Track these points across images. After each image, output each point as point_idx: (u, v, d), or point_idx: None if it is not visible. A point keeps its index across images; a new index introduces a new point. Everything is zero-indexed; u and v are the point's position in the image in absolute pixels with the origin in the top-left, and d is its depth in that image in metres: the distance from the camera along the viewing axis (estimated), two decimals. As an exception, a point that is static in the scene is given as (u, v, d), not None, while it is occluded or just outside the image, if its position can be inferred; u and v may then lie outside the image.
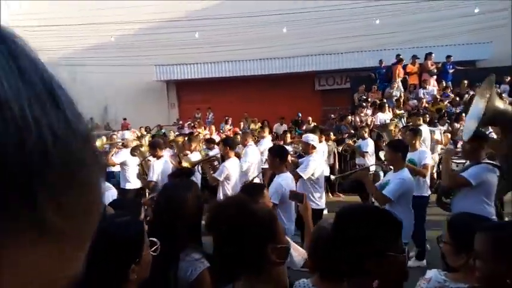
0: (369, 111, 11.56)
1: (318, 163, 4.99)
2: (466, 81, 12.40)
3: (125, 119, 17.55)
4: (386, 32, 16.63)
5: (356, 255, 1.31)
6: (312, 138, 5.25)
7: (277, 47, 17.48)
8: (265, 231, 1.36)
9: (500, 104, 3.53)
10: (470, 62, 15.97)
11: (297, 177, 4.68)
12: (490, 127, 5.87)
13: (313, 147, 5.08)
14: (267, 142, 7.87)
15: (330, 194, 9.01)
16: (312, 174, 4.84)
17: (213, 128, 12.06)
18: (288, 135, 9.34)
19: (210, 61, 18.27)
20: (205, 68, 18.55)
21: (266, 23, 17.76)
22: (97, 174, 0.31)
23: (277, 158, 4.04)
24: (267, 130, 9.02)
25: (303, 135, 5.87)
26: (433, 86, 12.68)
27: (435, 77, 13.05)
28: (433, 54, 13.12)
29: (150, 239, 1.37)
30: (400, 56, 13.25)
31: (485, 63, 15.89)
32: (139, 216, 2.23)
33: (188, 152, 6.85)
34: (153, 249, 1.37)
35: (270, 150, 4.46)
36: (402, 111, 11.40)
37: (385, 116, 10.50)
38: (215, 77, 18.58)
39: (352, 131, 10.30)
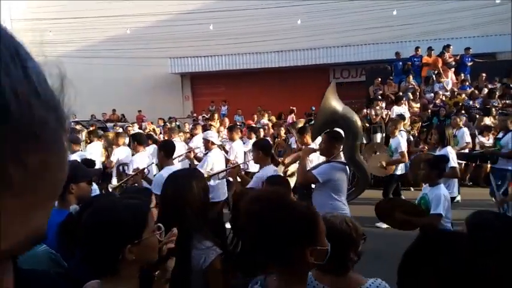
0: (384, 105, 11.39)
1: (217, 159, 5.38)
2: (484, 74, 12.13)
3: (139, 111, 17.77)
4: (403, 24, 16.31)
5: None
6: (211, 135, 5.73)
7: (292, 39, 17.34)
8: (303, 231, 1.29)
9: (338, 107, 3.65)
10: (490, 54, 15.58)
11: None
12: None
13: (212, 144, 5.50)
14: (198, 139, 8.06)
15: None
16: (211, 169, 5.17)
17: (227, 120, 12.06)
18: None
19: (225, 53, 18.26)
20: (220, 61, 18.56)
21: (280, 15, 17.62)
22: (61, 138, 0.34)
23: (162, 152, 4.36)
24: (199, 127, 9.00)
25: (204, 133, 6.29)
26: (450, 79, 12.43)
27: (453, 69, 12.79)
28: (451, 47, 12.84)
29: (157, 224, 1.38)
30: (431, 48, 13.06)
31: (505, 56, 15.47)
32: (149, 204, 2.25)
33: (115, 146, 7.20)
34: (158, 233, 1.38)
35: (159, 145, 4.83)
36: (418, 105, 11.26)
37: (400, 110, 10.35)
38: (229, 70, 18.58)
39: (367, 125, 10.20)
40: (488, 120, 9.16)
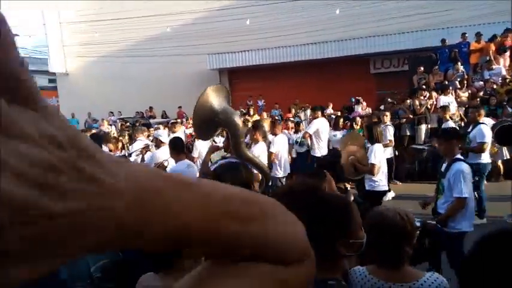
0: (434, 94, 10.82)
1: (163, 156, 5.56)
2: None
3: (180, 107, 18.18)
4: (448, 9, 15.50)
5: None
6: (160, 134, 6.17)
7: (330, 30, 17.01)
8: (335, 224, 1.27)
9: (216, 107, 3.49)
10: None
11: None
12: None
13: (161, 142, 5.90)
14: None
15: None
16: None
17: (264, 114, 12.06)
18: (340, 120, 9.54)
19: (262, 48, 18.24)
20: (257, 55, 18.57)
21: (317, 6, 17.32)
22: None
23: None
24: (178, 126, 9.16)
25: (154, 132, 6.63)
26: (503, 66, 11.65)
27: (508, 55, 11.94)
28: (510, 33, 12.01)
29: None
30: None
31: None
32: None
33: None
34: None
35: None
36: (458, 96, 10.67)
37: (448, 99, 9.85)
38: (267, 64, 18.54)
39: (411, 116, 9.81)
40: None
